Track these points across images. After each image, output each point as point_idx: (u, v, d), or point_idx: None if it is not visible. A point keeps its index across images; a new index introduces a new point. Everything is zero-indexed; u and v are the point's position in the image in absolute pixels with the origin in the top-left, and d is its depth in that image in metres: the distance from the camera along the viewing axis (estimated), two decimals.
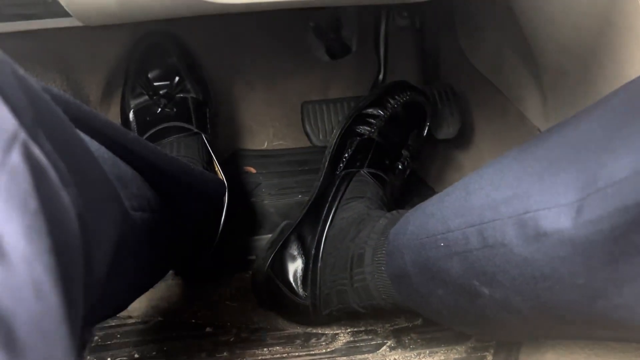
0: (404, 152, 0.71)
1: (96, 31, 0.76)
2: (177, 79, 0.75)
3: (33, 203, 0.24)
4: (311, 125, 0.83)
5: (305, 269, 0.64)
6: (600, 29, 0.49)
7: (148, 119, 0.72)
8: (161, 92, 0.74)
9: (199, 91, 0.77)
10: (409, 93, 0.71)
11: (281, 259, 0.66)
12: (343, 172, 0.68)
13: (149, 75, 0.76)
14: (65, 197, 0.28)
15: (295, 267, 0.64)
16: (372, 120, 0.70)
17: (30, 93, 0.28)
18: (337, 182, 0.67)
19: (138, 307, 0.72)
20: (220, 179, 0.67)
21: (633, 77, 0.37)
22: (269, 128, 0.92)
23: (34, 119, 0.27)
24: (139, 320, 0.71)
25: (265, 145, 0.90)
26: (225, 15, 0.85)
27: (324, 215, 0.65)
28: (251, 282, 0.70)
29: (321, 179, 0.69)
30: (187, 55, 0.79)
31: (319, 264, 0.62)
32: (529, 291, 0.37)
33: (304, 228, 0.66)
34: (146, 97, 0.74)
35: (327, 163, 0.70)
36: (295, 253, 0.65)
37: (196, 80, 0.77)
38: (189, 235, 0.60)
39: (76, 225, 0.29)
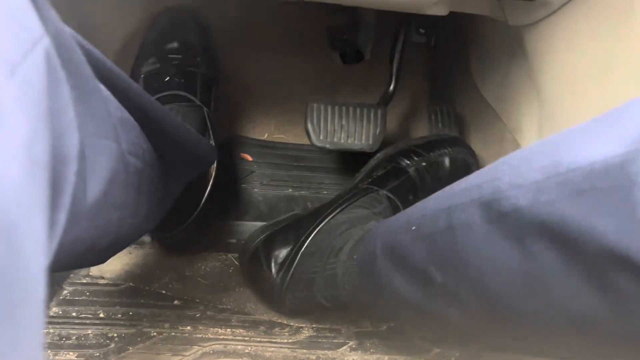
0: None
1: None
2: (190, 53, 0.77)
3: (44, 103, 0.25)
4: (313, 124, 0.84)
5: (289, 253, 0.65)
6: (603, 68, 0.51)
7: (155, 85, 0.73)
8: (173, 62, 0.75)
9: (209, 69, 0.78)
10: (462, 150, 0.73)
11: (274, 238, 0.68)
12: (365, 185, 0.70)
13: (165, 46, 0.78)
14: (71, 113, 0.29)
15: (281, 250, 0.66)
16: (415, 157, 0.71)
17: (52, 18, 0.30)
18: (355, 192, 0.69)
19: (112, 269, 0.73)
20: (213, 146, 0.68)
21: None
22: (272, 120, 0.93)
23: (56, 37, 0.29)
24: (110, 282, 0.71)
25: (265, 136, 0.92)
26: (245, 3, 0.87)
27: (328, 211, 0.67)
28: (241, 247, 0.72)
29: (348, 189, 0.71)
30: (203, 34, 0.81)
31: (302, 249, 0.64)
32: (478, 278, 0.38)
33: (307, 220, 0.68)
34: (158, 65, 0.76)
35: (357, 179, 0.72)
36: (288, 238, 0.67)
37: (208, 59, 0.79)
38: (174, 196, 0.61)
39: (76, 142, 0.31)
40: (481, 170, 0.41)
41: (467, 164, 0.74)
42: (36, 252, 0.24)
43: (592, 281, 0.31)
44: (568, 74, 0.56)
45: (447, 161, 0.73)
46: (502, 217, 0.35)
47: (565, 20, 0.56)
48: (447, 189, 0.44)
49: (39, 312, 0.24)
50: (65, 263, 0.45)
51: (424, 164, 0.72)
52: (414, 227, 0.44)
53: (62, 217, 0.32)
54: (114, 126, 0.40)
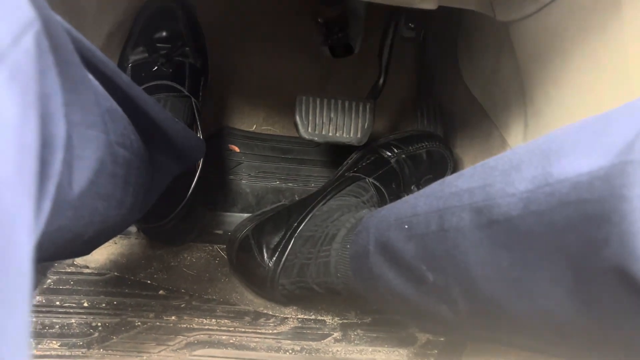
0: (414, 188, 0.76)
1: None
2: (179, 43, 0.76)
3: (33, 87, 0.25)
4: (302, 117, 0.84)
5: (281, 239, 0.66)
6: (588, 65, 0.51)
7: (143, 74, 0.73)
8: (161, 52, 0.75)
9: (198, 60, 0.78)
10: (439, 144, 0.79)
11: (264, 226, 0.69)
12: (351, 174, 0.72)
13: (153, 36, 0.77)
14: (59, 101, 0.29)
15: (273, 236, 0.67)
16: (396, 150, 0.76)
17: (41, 5, 0.29)
18: (341, 180, 0.72)
19: (96, 259, 0.72)
20: (201, 139, 0.68)
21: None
22: (261, 112, 0.93)
23: (46, 23, 0.29)
24: (95, 272, 0.71)
25: (253, 128, 0.91)
26: None
27: (317, 199, 0.69)
28: (228, 238, 0.72)
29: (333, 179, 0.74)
30: (193, 24, 0.80)
31: (295, 235, 0.65)
32: (468, 280, 0.39)
33: (297, 208, 0.69)
34: (146, 54, 0.75)
35: (343, 169, 0.76)
36: (279, 225, 0.68)
37: (197, 49, 0.78)
38: (161, 188, 0.61)
39: (63, 130, 0.30)
40: (471, 172, 0.42)
41: (443, 157, 0.80)
42: (25, 239, 0.24)
43: (579, 290, 0.32)
44: (555, 70, 0.57)
45: (424, 154, 0.78)
46: (492, 224, 0.36)
47: (553, 17, 0.56)
48: (437, 188, 0.45)
49: (27, 300, 0.24)
50: (50, 253, 0.45)
51: (403, 155, 0.76)
52: (406, 226, 0.45)
53: (47, 205, 0.32)
54: (102, 116, 0.40)
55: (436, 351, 0.63)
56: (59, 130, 0.32)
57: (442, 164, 0.79)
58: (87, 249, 0.52)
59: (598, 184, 0.29)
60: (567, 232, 0.31)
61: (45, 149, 0.30)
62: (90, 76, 0.40)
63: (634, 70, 0.45)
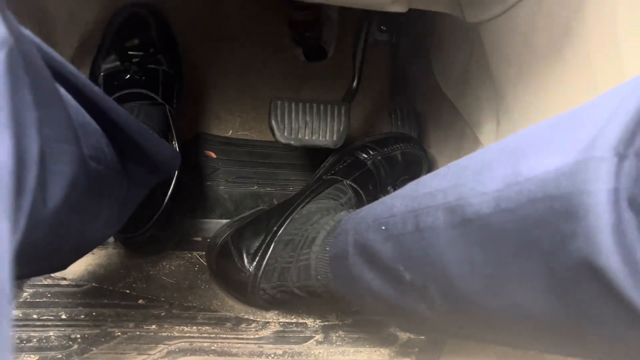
0: (390, 189, 0.77)
1: None
2: (151, 50, 0.76)
3: (6, 105, 0.25)
4: (277, 121, 0.84)
5: (261, 243, 0.66)
6: (554, 63, 0.53)
7: (116, 83, 0.72)
8: (133, 60, 0.74)
9: (172, 66, 0.77)
10: (413, 146, 0.81)
11: (243, 231, 0.69)
12: (328, 177, 0.73)
13: (125, 44, 0.77)
14: (32, 117, 0.29)
15: (253, 241, 0.67)
16: (371, 152, 0.77)
17: (12, 22, 0.29)
18: (319, 183, 0.72)
19: (74, 270, 0.71)
20: (177, 151, 0.68)
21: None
22: (237, 117, 0.93)
23: (17, 40, 0.28)
24: (73, 283, 0.70)
25: (230, 133, 0.91)
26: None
27: (296, 203, 0.69)
28: (207, 245, 0.72)
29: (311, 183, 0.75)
30: (165, 30, 0.80)
31: (275, 239, 0.65)
32: (444, 279, 0.39)
33: (276, 212, 0.69)
34: (118, 63, 0.74)
35: (320, 172, 0.76)
36: (258, 230, 0.68)
37: (171, 56, 0.78)
38: (137, 201, 0.60)
39: (37, 146, 0.30)
40: (444, 171, 0.42)
41: (418, 157, 0.81)
42: (5, 256, 0.24)
43: (551, 285, 0.33)
44: (524, 69, 0.58)
45: (399, 155, 0.79)
46: (465, 222, 0.37)
47: (520, 18, 0.57)
48: (412, 188, 0.45)
49: (8, 317, 0.24)
50: (27, 270, 0.44)
51: (379, 157, 0.77)
52: (383, 227, 0.46)
53: (22, 221, 0.32)
54: (75, 130, 0.40)
55: (417, 349, 0.64)
56: (33, 146, 0.32)
57: (417, 165, 0.81)
58: (64, 264, 0.51)
59: (563, 180, 0.30)
60: (537, 228, 0.32)
61: (19, 165, 0.30)
62: (62, 90, 0.40)
63: (598, 68, 0.46)
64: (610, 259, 0.28)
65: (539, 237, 0.32)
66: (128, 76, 0.74)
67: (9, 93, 0.26)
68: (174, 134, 0.71)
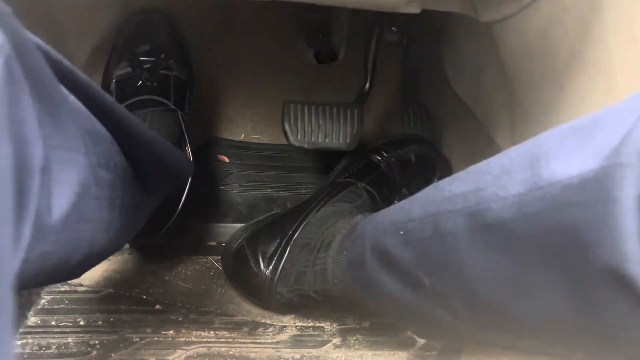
0: (404, 191, 0.77)
1: None
2: (162, 56, 0.76)
3: (4, 113, 0.24)
4: (290, 124, 0.84)
5: (276, 247, 0.66)
6: (571, 62, 0.52)
7: (128, 89, 0.73)
8: (145, 66, 0.75)
9: (183, 72, 0.78)
10: (426, 147, 0.80)
11: (258, 235, 0.69)
12: (342, 180, 0.73)
13: (136, 50, 0.77)
14: (33, 124, 0.29)
15: (268, 245, 0.67)
16: (385, 154, 0.77)
17: (13, 28, 0.29)
18: (334, 186, 0.72)
19: (90, 276, 0.72)
20: (189, 159, 0.68)
21: (595, 110, 0.39)
22: (248, 121, 0.93)
23: (18, 47, 0.28)
24: (90, 290, 0.70)
25: (242, 137, 0.92)
26: (220, 3, 0.87)
27: (311, 206, 0.69)
28: (222, 249, 0.72)
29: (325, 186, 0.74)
30: (176, 36, 0.80)
31: (291, 243, 0.65)
32: (464, 284, 0.39)
33: (291, 216, 0.69)
34: (129, 69, 0.75)
35: (334, 175, 0.76)
36: (274, 233, 0.68)
37: (182, 61, 0.78)
38: (150, 210, 0.60)
39: (40, 154, 0.30)
40: (463, 176, 0.42)
41: (432, 160, 0.81)
42: (5, 268, 0.24)
43: (575, 292, 0.33)
44: (540, 69, 0.58)
45: (413, 157, 0.78)
46: (486, 227, 0.37)
47: (535, 17, 0.57)
48: (430, 193, 0.45)
49: (9, 329, 0.24)
50: (36, 280, 0.44)
51: (393, 159, 0.77)
52: (401, 232, 0.45)
53: (27, 231, 0.32)
54: (83, 138, 0.39)
55: (435, 352, 0.64)
56: (36, 154, 0.32)
57: (431, 166, 0.80)
58: (77, 273, 0.51)
59: (589, 186, 0.30)
60: (560, 234, 0.32)
61: (21, 174, 0.30)
62: (72, 97, 0.39)
63: (617, 68, 0.46)
64: (639, 267, 0.28)
65: (562, 243, 0.32)
66: (140, 82, 0.74)
67: (8, 102, 0.26)
68: (187, 140, 0.71)
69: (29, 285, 0.49)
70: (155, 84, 0.74)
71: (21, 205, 0.30)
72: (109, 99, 0.45)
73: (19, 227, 0.30)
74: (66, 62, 0.39)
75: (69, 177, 0.37)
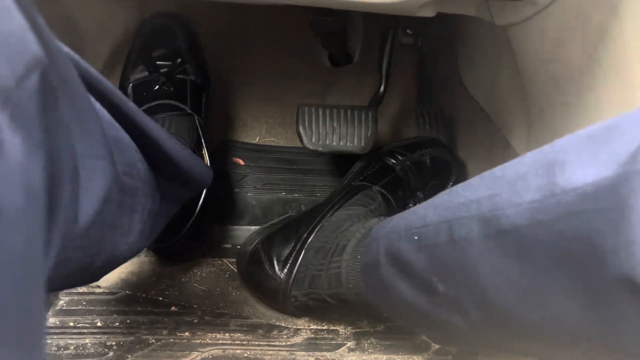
0: (419, 195, 0.76)
1: (109, 3, 0.77)
2: (179, 60, 0.77)
3: (38, 125, 0.25)
4: (305, 127, 0.85)
5: (291, 251, 0.66)
6: (588, 66, 0.52)
7: (145, 94, 0.73)
8: (161, 70, 0.75)
9: (199, 76, 0.78)
10: (440, 149, 0.80)
11: (273, 238, 0.69)
12: (357, 183, 0.73)
13: (153, 54, 0.78)
14: (66, 135, 0.29)
15: (283, 248, 0.67)
16: (400, 157, 0.77)
17: (48, 39, 0.30)
18: (348, 189, 0.72)
19: (107, 278, 0.72)
20: (209, 166, 0.68)
21: (613, 115, 0.39)
22: (263, 124, 0.93)
23: (53, 59, 0.29)
24: (107, 291, 0.71)
25: (257, 140, 0.92)
26: (235, 8, 0.87)
27: (325, 210, 0.69)
28: (237, 252, 0.73)
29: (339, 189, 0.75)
30: (192, 40, 0.81)
31: (305, 246, 0.66)
32: (478, 290, 0.39)
33: (305, 219, 0.69)
34: (146, 73, 0.75)
35: (348, 178, 0.76)
36: (288, 237, 0.68)
37: (198, 65, 0.79)
38: (169, 215, 0.61)
39: (71, 164, 0.30)
40: (478, 182, 0.42)
41: (447, 163, 0.80)
42: (36, 277, 0.24)
43: (589, 299, 0.33)
44: (556, 72, 0.57)
45: (428, 160, 0.78)
46: (501, 234, 0.37)
47: (551, 19, 0.56)
48: (445, 198, 0.45)
49: (42, 335, 0.25)
50: (59, 283, 0.45)
51: (408, 162, 0.76)
52: (416, 237, 0.45)
53: (57, 239, 0.32)
54: (109, 146, 0.40)
55: (450, 357, 0.64)
56: (67, 164, 0.33)
57: (446, 170, 0.80)
58: (96, 277, 0.52)
59: (604, 193, 0.29)
60: (575, 242, 0.31)
61: (52, 183, 0.31)
62: (98, 105, 0.40)
63: (636, 74, 0.45)
64: None
65: (577, 251, 0.31)
66: (157, 87, 0.75)
67: (41, 114, 0.26)
68: (204, 144, 0.72)
69: (52, 289, 0.50)
70: (172, 89, 0.75)
71: (51, 215, 0.31)
72: (133, 106, 0.46)
73: (49, 238, 0.31)
74: (93, 71, 0.40)
75: (95, 185, 0.37)
